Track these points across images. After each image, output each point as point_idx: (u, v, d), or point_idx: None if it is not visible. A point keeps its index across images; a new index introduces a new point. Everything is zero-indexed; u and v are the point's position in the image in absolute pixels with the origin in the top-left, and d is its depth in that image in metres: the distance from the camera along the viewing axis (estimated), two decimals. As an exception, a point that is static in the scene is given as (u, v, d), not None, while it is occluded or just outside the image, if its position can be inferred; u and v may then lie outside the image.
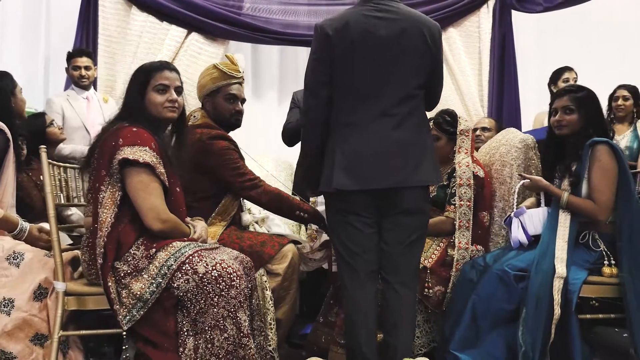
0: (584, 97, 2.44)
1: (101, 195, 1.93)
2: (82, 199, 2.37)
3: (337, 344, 2.53)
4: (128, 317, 1.88)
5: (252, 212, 2.82)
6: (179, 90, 2.11)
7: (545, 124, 3.79)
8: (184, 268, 1.89)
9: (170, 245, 1.94)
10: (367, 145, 2.04)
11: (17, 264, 2.08)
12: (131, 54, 4.04)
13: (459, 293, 2.43)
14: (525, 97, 4.48)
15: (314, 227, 2.97)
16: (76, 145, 3.45)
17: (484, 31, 4.31)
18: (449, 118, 2.80)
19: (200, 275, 1.88)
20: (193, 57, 4.08)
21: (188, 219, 2.14)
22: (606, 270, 2.28)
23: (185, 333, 1.90)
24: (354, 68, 2.04)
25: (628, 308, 2.21)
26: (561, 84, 3.87)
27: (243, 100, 2.64)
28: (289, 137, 3.54)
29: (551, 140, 2.55)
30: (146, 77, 2.05)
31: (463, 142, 2.77)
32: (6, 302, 2.02)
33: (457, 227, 2.62)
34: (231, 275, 1.90)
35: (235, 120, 2.61)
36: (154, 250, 1.92)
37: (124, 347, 1.89)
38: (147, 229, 1.96)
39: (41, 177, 2.86)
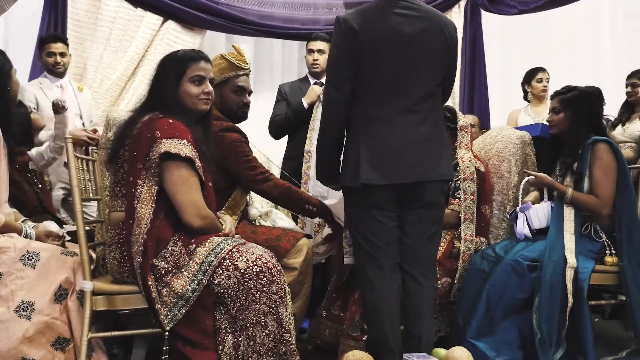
0: (570, 98, 2.60)
1: (138, 190, 1.84)
2: (91, 193, 2.24)
3: (348, 337, 2.54)
4: (170, 316, 1.81)
5: (256, 207, 2.78)
6: (212, 81, 2.04)
7: (520, 121, 4.01)
8: (224, 264, 1.84)
9: (209, 240, 1.89)
10: (394, 140, 2.06)
11: (33, 264, 1.94)
12: (103, 40, 3.86)
13: (470, 283, 2.52)
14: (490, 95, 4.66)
15: (317, 220, 2.98)
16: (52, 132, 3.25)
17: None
18: (449, 114, 2.88)
19: (241, 271, 1.84)
20: (169, 45, 3.94)
21: (218, 213, 2.09)
22: (608, 259, 2.45)
23: (224, 331, 1.86)
24: (381, 65, 2.05)
25: (629, 294, 2.38)
26: (535, 84, 4.06)
27: (250, 92, 2.59)
28: (276, 129, 3.51)
29: (551, 138, 2.70)
30: (182, 67, 1.96)
31: (463, 137, 2.86)
32: (25, 305, 1.89)
33: (462, 219, 2.69)
34: (272, 271, 1.88)
35: (242, 113, 2.55)
36: (193, 246, 1.86)
37: (165, 348, 1.82)
38: (182, 224, 1.89)
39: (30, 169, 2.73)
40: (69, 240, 2.37)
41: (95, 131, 3.19)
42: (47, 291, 1.93)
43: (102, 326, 2.04)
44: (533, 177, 2.60)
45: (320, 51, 3.48)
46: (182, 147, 1.85)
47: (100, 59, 3.87)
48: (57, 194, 3.31)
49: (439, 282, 2.57)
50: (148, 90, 2.02)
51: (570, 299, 2.26)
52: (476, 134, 3.43)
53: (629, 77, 3.59)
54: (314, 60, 3.49)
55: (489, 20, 4.67)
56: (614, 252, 2.46)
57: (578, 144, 2.56)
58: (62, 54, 3.39)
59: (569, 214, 2.48)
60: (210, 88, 2.02)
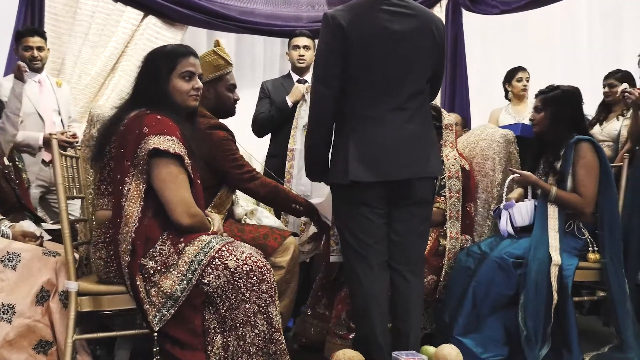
0: (551, 97, 2.63)
1: (126, 188, 1.80)
2: (75, 190, 2.19)
3: (335, 336, 2.54)
4: (158, 317, 1.77)
5: (241, 205, 2.75)
6: (200, 77, 2.01)
7: (501, 120, 4.05)
8: (214, 263, 1.81)
9: (198, 239, 1.85)
10: (384, 138, 2.06)
11: (14, 266, 1.89)
12: (82, 35, 3.77)
13: (456, 281, 2.54)
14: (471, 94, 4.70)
15: (302, 219, 2.96)
16: (29, 132, 3.17)
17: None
18: (434, 112, 2.88)
19: (231, 270, 1.81)
20: (150, 41, 3.88)
21: (206, 212, 2.06)
22: (591, 256, 2.49)
23: (213, 331, 1.83)
24: (370, 62, 2.04)
25: (610, 290, 2.42)
26: (515, 83, 4.11)
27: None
28: (260, 127, 3.47)
29: (534, 137, 2.74)
30: (172, 62, 1.93)
31: (448, 136, 2.87)
32: (6, 308, 1.84)
33: (447, 217, 2.71)
34: (262, 270, 1.86)
35: (233, 110, 2.55)
36: (182, 245, 1.83)
37: (154, 350, 1.78)
38: (170, 223, 1.85)
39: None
40: (48, 240, 2.32)
41: (74, 136, 3.13)
42: (29, 293, 1.88)
43: (86, 327, 2.00)
44: (518, 175, 2.63)
45: (305, 47, 3.47)
46: (171, 143, 1.82)
47: (79, 54, 3.79)
48: (35, 192, 3.23)
49: (425, 280, 2.58)
50: (133, 86, 1.97)
51: (555, 296, 2.30)
52: (459, 132, 3.45)
53: (606, 77, 3.65)
54: (300, 55, 3.46)
55: (469, 20, 4.71)
56: (596, 249, 2.50)
57: (561, 143, 2.59)
58: (40, 49, 3.30)
59: (552, 212, 2.51)
60: (200, 84, 1.99)
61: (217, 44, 2.44)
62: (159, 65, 1.92)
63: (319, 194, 2.86)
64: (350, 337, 2.50)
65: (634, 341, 2.34)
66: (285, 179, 3.22)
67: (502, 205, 2.65)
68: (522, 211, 2.58)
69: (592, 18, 5.03)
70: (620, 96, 3.08)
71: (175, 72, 1.93)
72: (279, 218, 3.06)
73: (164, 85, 1.92)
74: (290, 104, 3.32)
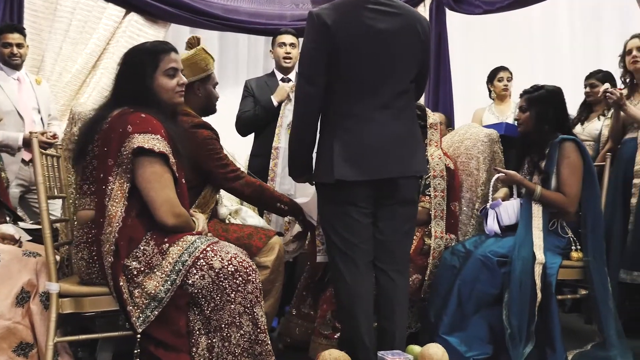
0: (536, 97, 2.65)
1: (109, 187, 1.76)
2: (56, 190, 2.15)
3: (320, 335, 2.54)
4: (142, 318, 1.74)
5: (225, 205, 2.73)
6: (182, 72, 1.99)
7: (484, 119, 4.08)
8: (199, 263, 1.79)
9: (182, 239, 1.83)
10: (369, 136, 2.05)
11: (-7, 267, 1.85)
12: (62, 31, 3.71)
13: (441, 279, 2.55)
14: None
15: (286, 218, 2.95)
16: (9, 132, 3.11)
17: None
18: (419, 112, 2.89)
19: (216, 270, 1.79)
20: (132, 38, 3.83)
21: (191, 211, 2.03)
22: (574, 254, 2.51)
23: (197, 332, 1.81)
24: (355, 61, 2.03)
25: (593, 289, 2.44)
26: (497, 83, 4.14)
27: None
28: (244, 126, 3.45)
29: (519, 136, 2.76)
30: (155, 60, 1.90)
31: (433, 135, 2.87)
32: (-15, 310, 1.79)
33: (432, 217, 2.72)
34: (247, 270, 1.84)
35: (215, 107, 2.54)
36: (166, 245, 1.80)
37: (136, 352, 1.75)
38: (155, 223, 1.83)
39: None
40: (28, 240, 2.28)
41: (54, 136, 3.08)
42: (9, 294, 1.84)
43: (67, 329, 1.96)
44: (503, 174, 2.64)
45: (292, 45, 3.45)
46: (155, 142, 1.79)
47: (60, 51, 3.73)
48: (14, 191, 3.17)
49: (410, 279, 2.58)
50: (115, 85, 1.94)
51: (539, 295, 2.31)
52: (443, 131, 3.46)
53: (587, 77, 3.69)
54: (287, 53, 3.44)
55: (452, 19, 4.73)
56: (579, 247, 2.52)
57: (545, 143, 2.61)
58: (19, 45, 3.24)
59: (537, 211, 2.52)
60: (184, 79, 1.97)
61: (199, 41, 2.42)
62: (142, 64, 1.89)
63: (303, 193, 2.85)
64: (335, 336, 2.49)
65: (616, 339, 2.37)
66: (269, 178, 3.20)
67: (488, 205, 2.67)
68: (509, 210, 2.60)
69: (573, 19, 5.08)
70: (602, 96, 3.11)
71: (159, 70, 1.91)
72: (262, 217, 3.06)
73: (149, 83, 1.90)
74: (275, 103, 3.30)
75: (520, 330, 2.28)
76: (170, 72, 1.92)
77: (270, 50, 3.58)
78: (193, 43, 2.39)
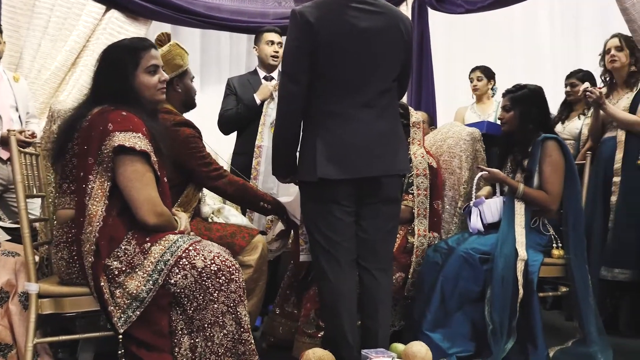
0: (521, 96, 2.68)
1: (89, 186, 1.74)
2: (35, 189, 2.11)
3: (303, 334, 2.53)
4: (124, 319, 1.72)
5: (208, 203, 2.71)
6: (162, 69, 1.97)
7: (466, 118, 4.10)
8: (181, 263, 1.77)
9: (164, 238, 1.81)
10: (352, 135, 2.05)
11: (-30, 266, 1.81)
12: (41, 28, 3.64)
13: (425, 277, 2.56)
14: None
15: (269, 217, 2.94)
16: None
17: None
18: (402, 110, 2.89)
19: (199, 270, 1.77)
20: (112, 36, 3.76)
21: (173, 210, 2.01)
22: (555, 252, 2.54)
23: (180, 332, 1.79)
24: (338, 59, 2.03)
25: (574, 286, 2.47)
26: (470, 83, 4.22)
27: None
28: (226, 124, 3.43)
29: (501, 135, 2.78)
30: (135, 57, 1.87)
31: (415, 134, 2.89)
32: (-38, 310, 1.76)
33: (415, 215, 2.73)
34: (230, 269, 1.83)
35: (195, 101, 2.53)
36: (148, 244, 1.78)
37: (119, 352, 1.73)
38: (136, 222, 1.81)
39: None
40: (7, 240, 2.24)
41: (33, 135, 3.03)
42: (-13, 295, 1.81)
43: (47, 330, 1.93)
44: (486, 172, 2.66)
45: (280, 43, 3.44)
46: (136, 140, 1.77)
47: (38, 48, 3.66)
48: (-9, 190, 3.12)
49: (393, 277, 2.58)
50: (94, 82, 1.91)
51: (521, 291, 2.33)
52: (426, 130, 3.48)
53: (568, 77, 3.74)
54: (275, 51, 3.42)
55: (435, 18, 4.75)
56: (560, 245, 2.55)
57: (528, 141, 2.64)
58: (-4, 42, 3.18)
59: (519, 208, 2.55)
60: (166, 76, 1.95)
61: (169, 37, 2.40)
62: (123, 61, 1.87)
63: (287, 192, 2.84)
64: (319, 335, 2.49)
65: (597, 335, 2.40)
66: (252, 176, 3.18)
67: (472, 203, 2.69)
68: (492, 208, 2.62)
69: (553, 19, 5.14)
70: (582, 95, 3.15)
71: (140, 67, 1.88)
72: (245, 215, 3.04)
73: (130, 81, 1.87)
74: (258, 101, 3.28)
75: (502, 325, 2.30)
76: (151, 69, 1.90)
77: (255, 47, 3.54)
78: (163, 40, 2.36)
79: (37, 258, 1.98)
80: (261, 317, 3.02)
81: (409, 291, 2.65)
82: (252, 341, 1.85)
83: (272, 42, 3.43)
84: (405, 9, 4.52)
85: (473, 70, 4.22)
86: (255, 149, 3.23)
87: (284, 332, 2.71)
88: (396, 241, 2.66)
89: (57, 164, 1.89)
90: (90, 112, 1.82)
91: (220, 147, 3.64)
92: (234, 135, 3.51)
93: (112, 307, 1.72)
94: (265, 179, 3.18)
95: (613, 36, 3.17)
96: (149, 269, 1.75)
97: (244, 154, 3.32)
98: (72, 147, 1.81)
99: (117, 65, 1.87)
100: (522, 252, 2.39)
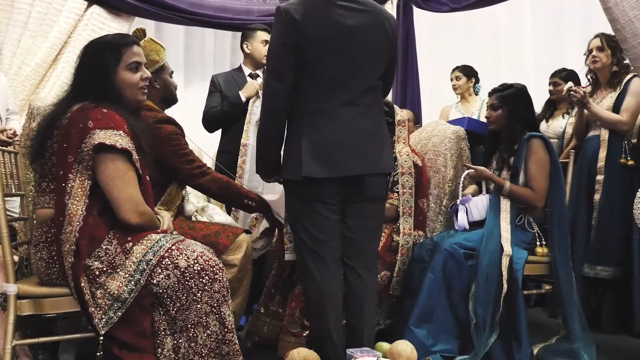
0: (507, 95, 2.71)
1: (69, 185, 1.71)
2: (13, 188, 2.07)
3: (288, 334, 2.52)
4: (105, 320, 1.69)
5: (191, 202, 2.68)
6: (146, 66, 1.94)
7: (451, 116, 4.11)
8: (164, 263, 1.74)
9: (146, 238, 1.78)
10: (337, 133, 2.04)
11: (-53, 267, 1.77)
12: (21, 24, 3.57)
13: (411, 274, 2.57)
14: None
15: (253, 215, 2.92)
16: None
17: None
18: (387, 108, 2.88)
19: (182, 269, 1.75)
20: (94, 32, 3.70)
21: (155, 209, 1.98)
22: (539, 249, 2.55)
23: (163, 332, 1.76)
24: (323, 57, 2.02)
25: (558, 283, 2.48)
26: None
27: None
28: (211, 122, 3.39)
29: (490, 133, 2.80)
30: (116, 54, 1.84)
31: (401, 132, 2.88)
32: (-62, 311, 1.71)
33: (400, 213, 2.73)
34: (214, 269, 1.80)
35: (176, 96, 2.51)
36: (130, 244, 1.75)
37: (98, 354, 1.70)
38: (117, 221, 1.78)
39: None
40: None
41: (14, 134, 2.97)
42: (-36, 296, 1.76)
43: (27, 331, 1.89)
44: (473, 170, 2.67)
45: None
46: (117, 138, 1.74)
47: (18, 44, 3.59)
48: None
49: (379, 276, 2.58)
50: (75, 79, 1.88)
51: (505, 286, 2.34)
52: (411, 128, 3.48)
53: (552, 76, 3.76)
54: None
55: (420, 17, 4.75)
56: (544, 243, 2.56)
57: (515, 140, 2.65)
58: (-25, 37, 3.12)
59: (505, 205, 2.56)
60: (148, 73, 1.92)
61: (144, 32, 2.37)
62: (105, 58, 1.83)
63: (272, 190, 2.82)
64: (304, 334, 2.48)
65: (580, 332, 2.41)
66: (237, 175, 3.16)
67: (459, 201, 2.70)
68: (479, 205, 2.64)
69: (537, 18, 5.17)
70: (566, 94, 3.17)
71: (122, 64, 1.85)
72: (229, 214, 3.02)
73: (112, 78, 1.84)
74: (243, 99, 3.26)
75: (485, 320, 2.32)
76: (133, 66, 1.87)
77: (245, 44, 3.50)
78: (139, 36, 2.33)
79: (16, 258, 1.94)
80: (246, 316, 3.00)
81: (394, 290, 2.66)
82: (236, 341, 1.83)
83: (267, 42, 3.41)
84: (391, 7, 4.51)
85: (453, 70, 4.25)
86: (240, 147, 3.21)
87: (269, 332, 2.69)
88: (381, 240, 2.66)
89: (36, 162, 1.85)
90: (70, 110, 1.79)
91: (204, 144, 3.62)
92: (218, 133, 3.48)
93: (93, 308, 1.68)
94: (251, 178, 3.16)
95: (595, 36, 3.20)
96: (131, 269, 1.72)
97: (229, 152, 3.29)
98: (52, 145, 1.78)
99: (98, 62, 1.84)
100: (507, 248, 2.41)
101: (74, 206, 1.69)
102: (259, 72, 3.45)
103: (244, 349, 2.05)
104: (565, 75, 3.61)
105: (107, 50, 1.85)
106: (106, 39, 1.91)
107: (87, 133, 1.72)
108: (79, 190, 1.72)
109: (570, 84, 3.24)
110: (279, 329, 2.61)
